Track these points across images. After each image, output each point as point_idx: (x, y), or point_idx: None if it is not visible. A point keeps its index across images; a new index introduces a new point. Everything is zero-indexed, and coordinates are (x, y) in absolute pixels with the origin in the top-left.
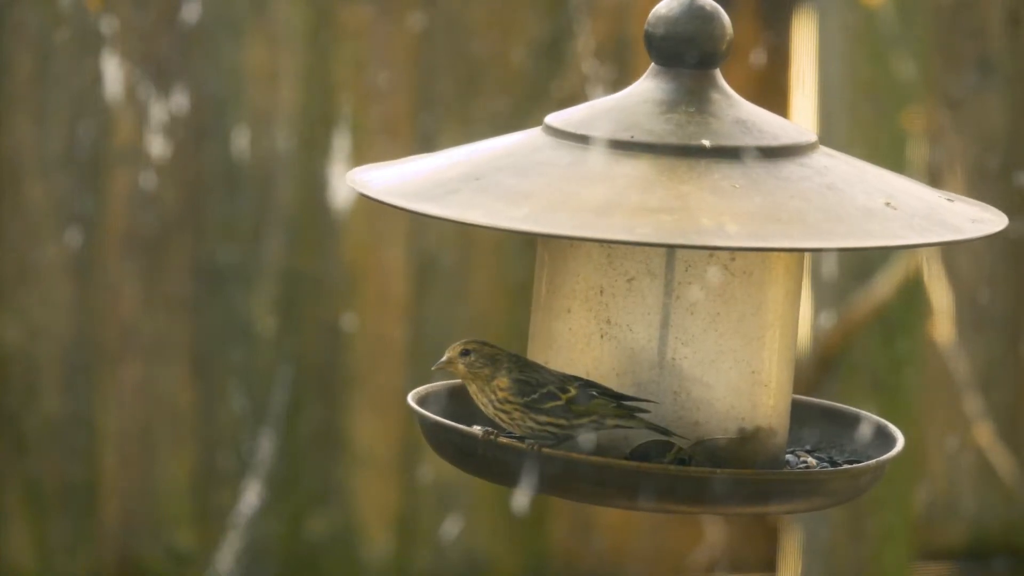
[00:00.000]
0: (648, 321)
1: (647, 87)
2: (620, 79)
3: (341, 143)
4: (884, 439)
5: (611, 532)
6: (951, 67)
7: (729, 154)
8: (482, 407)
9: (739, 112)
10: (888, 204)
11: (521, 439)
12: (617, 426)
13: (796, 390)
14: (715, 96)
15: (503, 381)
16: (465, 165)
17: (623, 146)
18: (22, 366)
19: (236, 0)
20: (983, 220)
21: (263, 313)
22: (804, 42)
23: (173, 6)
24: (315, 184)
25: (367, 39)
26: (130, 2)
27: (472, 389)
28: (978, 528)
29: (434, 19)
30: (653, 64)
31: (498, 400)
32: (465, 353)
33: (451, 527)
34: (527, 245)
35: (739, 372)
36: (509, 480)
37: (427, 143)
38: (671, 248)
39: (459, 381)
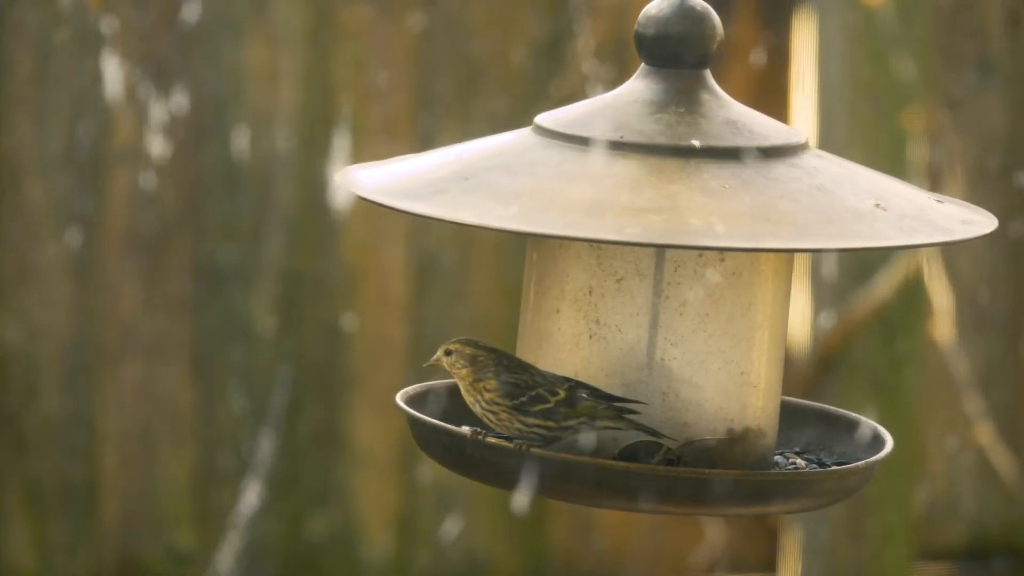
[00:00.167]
0: (637, 321)
1: (637, 87)
2: (620, 79)
3: (341, 143)
4: (876, 441)
5: (611, 532)
6: (951, 67)
7: (719, 154)
8: (470, 406)
9: (729, 112)
10: (878, 205)
11: (509, 439)
12: (606, 427)
13: (796, 390)
14: (705, 97)
15: (491, 383)
16: (455, 165)
17: (613, 146)
18: (22, 366)
19: (236, 0)
20: (973, 222)
21: (263, 313)
22: (804, 42)
23: (173, 6)
24: (315, 184)
25: (367, 39)
26: (130, 2)
27: (461, 388)
28: (978, 528)
29: (434, 19)
30: (643, 64)
31: (485, 401)
32: (448, 353)
33: (451, 527)
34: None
35: (728, 373)
36: (497, 480)
37: (427, 143)
38: (660, 248)
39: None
